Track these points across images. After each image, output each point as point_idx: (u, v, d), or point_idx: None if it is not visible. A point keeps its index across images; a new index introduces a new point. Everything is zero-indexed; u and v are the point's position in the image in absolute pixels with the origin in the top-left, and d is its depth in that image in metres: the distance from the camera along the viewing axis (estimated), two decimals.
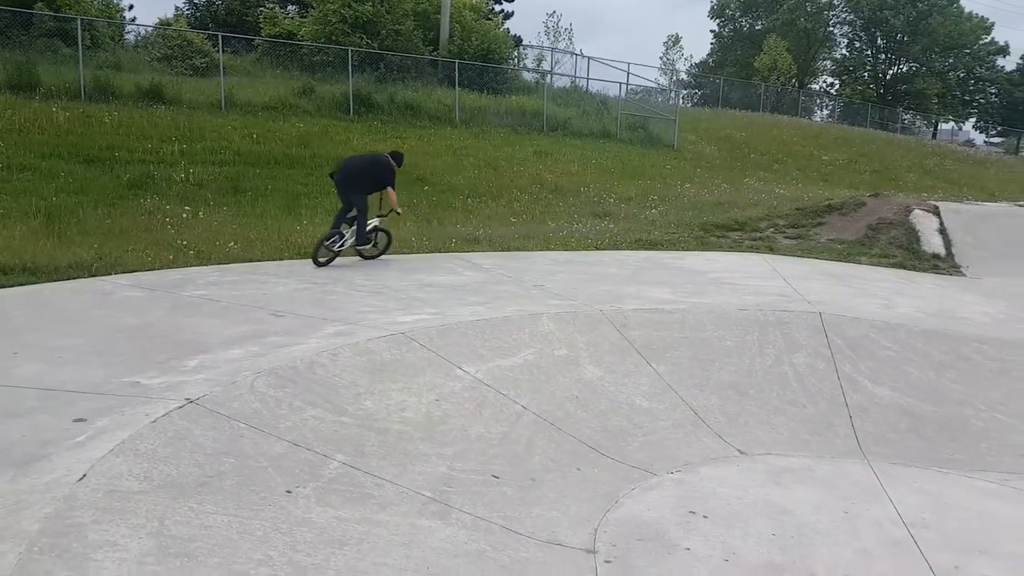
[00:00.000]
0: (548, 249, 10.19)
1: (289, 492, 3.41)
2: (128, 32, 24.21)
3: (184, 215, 10.30)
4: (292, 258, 8.58)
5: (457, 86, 20.86)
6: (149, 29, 23.50)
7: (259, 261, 8.28)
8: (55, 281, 6.74)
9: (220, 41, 19.43)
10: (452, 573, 3.19)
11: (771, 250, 11.35)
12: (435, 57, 22.59)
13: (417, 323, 5.74)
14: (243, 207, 11.44)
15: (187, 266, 7.81)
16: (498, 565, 3.36)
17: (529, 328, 6.02)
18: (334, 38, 20.92)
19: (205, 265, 7.93)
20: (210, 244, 8.75)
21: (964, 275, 10.95)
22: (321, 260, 8.14)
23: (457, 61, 21.57)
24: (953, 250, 11.73)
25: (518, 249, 9.99)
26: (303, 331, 5.42)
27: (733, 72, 51.04)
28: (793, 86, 46.07)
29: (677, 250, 10.89)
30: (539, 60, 31.60)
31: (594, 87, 26.99)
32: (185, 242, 8.71)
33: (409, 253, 9.21)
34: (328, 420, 4.20)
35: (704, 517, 4.14)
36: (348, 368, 4.80)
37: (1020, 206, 14.99)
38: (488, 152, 17.36)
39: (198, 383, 4.20)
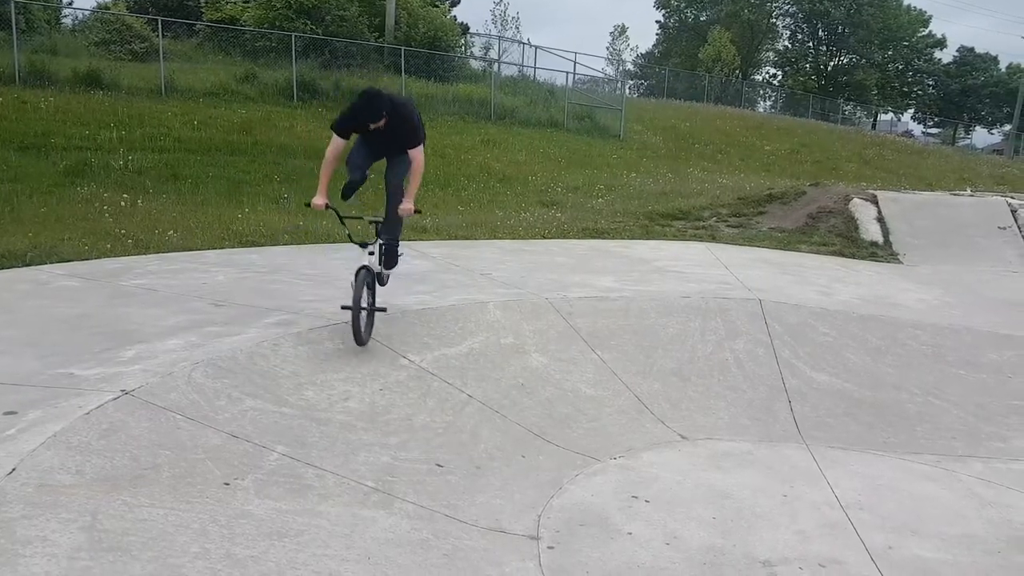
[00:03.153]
0: (496, 238, 10.19)
1: (227, 484, 3.35)
2: (65, 16, 23.38)
3: (122, 203, 9.97)
4: (234, 246, 8.39)
5: (404, 73, 20.65)
6: (87, 13, 22.68)
7: (199, 250, 8.07)
8: None
9: (160, 26, 18.83)
10: (394, 563, 3.18)
11: (714, 239, 11.57)
12: (381, 44, 22.31)
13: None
14: (183, 195, 11.14)
15: (125, 255, 7.57)
16: (441, 553, 3.37)
17: (476, 317, 6.03)
18: (278, 24, 20.47)
19: (144, 254, 7.70)
20: (149, 232, 8.50)
21: (901, 262, 11.35)
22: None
23: (404, 48, 21.35)
24: (891, 238, 12.14)
25: (466, 238, 9.96)
26: (244, 321, 5.31)
27: (679, 63, 51.77)
28: (737, 77, 46.92)
29: (623, 239, 11.00)
30: (486, 48, 31.55)
31: (541, 76, 27.08)
32: (123, 231, 8.44)
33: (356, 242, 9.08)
34: (268, 411, 4.13)
35: (646, 502, 4.22)
36: (289, 358, 4.74)
37: (956, 195, 15.57)
38: (435, 140, 17.20)
39: (134, 374, 4.08)
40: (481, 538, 3.63)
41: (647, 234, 11.58)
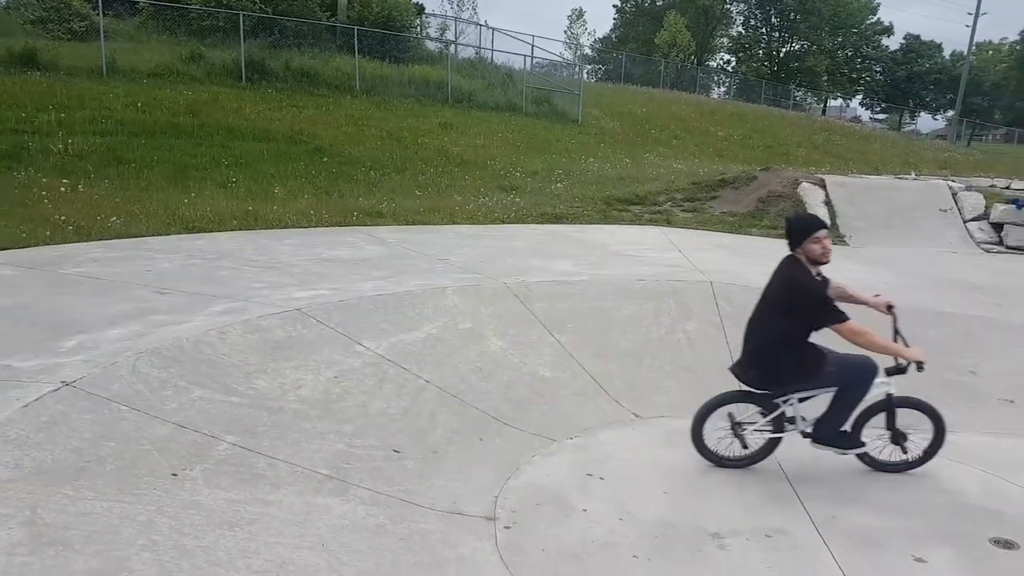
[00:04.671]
0: (454, 223, 10.13)
1: (175, 475, 3.27)
2: None
3: (62, 188, 9.62)
4: (179, 232, 8.17)
5: (357, 54, 20.28)
6: None
7: (143, 236, 7.84)
8: None
9: (101, 4, 18.11)
10: (349, 548, 3.16)
11: (669, 223, 11.71)
12: (334, 23, 21.87)
13: (314, 299, 5.60)
14: (126, 179, 10.79)
15: (65, 243, 7.31)
16: (397, 538, 3.35)
17: (433, 302, 5.99)
18: (225, 2, 19.88)
19: (85, 241, 7.45)
20: (90, 219, 8.22)
21: (848, 244, 11.64)
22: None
23: (356, 28, 20.95)
24: (838, 221, 12.44)
25: (423, 223, 9.89)
26: (190, 309, 5.18)
27: (635, 48, 52.04)
28: (692, 63, 47.37)
29: (581, 224, 11.07)
30: (443, 29, 31.19)
31: (499, 59, 26.91)
32: (63, 217, 8.14)
33: (308, 227, 8.94)
34: (217, 400, 4.04)
35: (601, 479, 4.27)
36: (238, 347, 4.64)
37: (900, 179, 16.03)
38: (391, 123, 17.04)
39: (76, 365, 3.95)
40: (438, 521, 3.62)
41: (605, 219, 11.66)
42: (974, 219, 13.33)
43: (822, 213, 12.48)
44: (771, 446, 4.48)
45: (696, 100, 33.14)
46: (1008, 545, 3.75)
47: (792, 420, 4.44)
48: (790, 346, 4.28)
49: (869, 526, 3.86)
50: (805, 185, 13.09)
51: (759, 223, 11.84)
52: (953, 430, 5.29)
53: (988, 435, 5.28)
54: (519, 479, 4.21)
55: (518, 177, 14.52)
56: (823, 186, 13.15)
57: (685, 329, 6.55)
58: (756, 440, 4.49)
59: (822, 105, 59.64)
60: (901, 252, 11.12)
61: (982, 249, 12.57)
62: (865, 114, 64.61)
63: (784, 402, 4.40)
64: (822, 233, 4.24)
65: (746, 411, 4.55)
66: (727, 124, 26.69)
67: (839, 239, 11.82)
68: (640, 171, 16.43)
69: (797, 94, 49.20)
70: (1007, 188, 18.93)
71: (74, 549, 2.61)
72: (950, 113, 51.54)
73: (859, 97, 63.16)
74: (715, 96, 44.50)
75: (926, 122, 64.29)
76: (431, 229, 9.52)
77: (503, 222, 10.55)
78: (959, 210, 13.53)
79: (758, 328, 4.44)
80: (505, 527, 3.68)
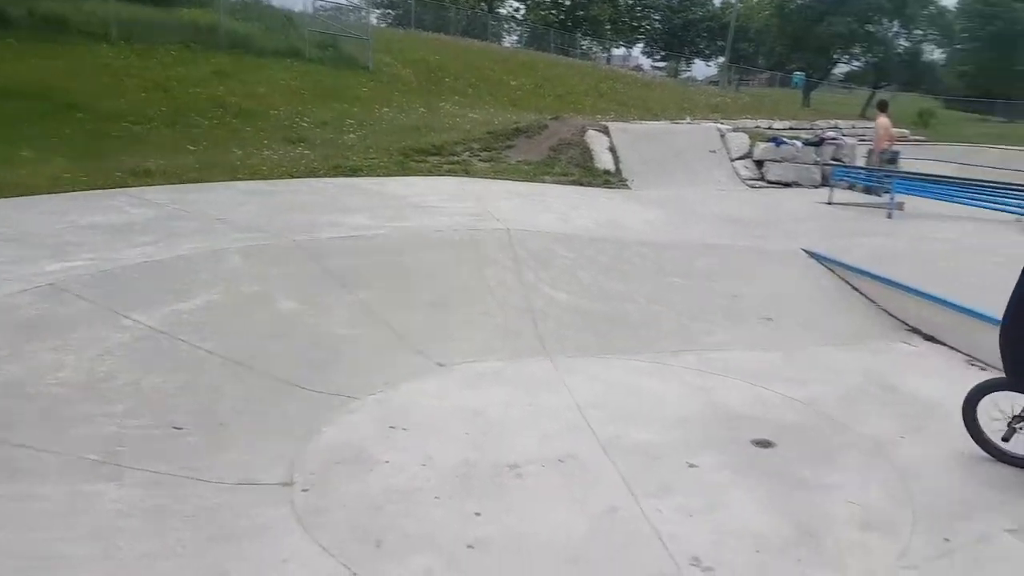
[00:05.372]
0: (235, 179, 9.44)
1: None
2: None
3: None
4: None
5: None
6: None
7: None
8: None
9: None
10: (125, 533, 2.91)
11: (467, 173, 11.80)
12: None
13: (71, 271, 4.98)
14: None
15: None
16: (181, 517, 3.14)
17: (212, 266, 5.57)
18: None
19: None
20: None
21: (630, 188, 12.47)
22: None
23: None
24: (621, 166, 13.26)
25: (198, 181, 9.09)
26: None
27: None
28: (482, 10, 47.48)
29: (377, 176, 10.82)
30: None
31: (277, 1, 25.20)
32: None
33: (60, 192, 7.88)
34: None
35: (404, 430, 4.28)
36: None
37: (676, 124, 17.38)
38: (156, 72, 15.38)
39: None
40: (229, 495, 3.44)
41: (402, 170, 11.49)
42: (740, 158, 14.84)
43: (607, 158, 13.24)
44: None
45: (489, 48, 33.35)
46: (766, 444, 4.29)
47: None
48: None
49: (649, 441, 4.23)
50: (591, 132, 13.77)
51: (551, 171, 12.29)
52: (722, 348, 5.97)
53: (750, 351, 5.94)
54: (318, 442, 4.10)
55: (305, 128, 13.82)
56: (607, 133, 13.91)
57: (484, 276, 6.68)
58: None
59: (607, 54, 62.58)
60: (677, 192, 12.11)
61: (747, 185, 14.07)
62: (647, 62, 68.76)
63: None
64: None
65: None
66: (520, 73, 27.16)
67: (623, 183, 12.62)
68: (437, 120, 16.32)
69: (583, 43, 51.19)
70: (769, 128, 21.27)
71: None
72: (721, 60, 56.14)
73: (640, 46, 67.04)
74: (507, 44, 45.13)
75: (700, 68, 69.68)
76: (208, 187, 8.79)
77: (291, 176, 10.02)
78: (727, 150, 14.99)
79: None
80: (303, 490, 3.58)
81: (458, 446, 4.09)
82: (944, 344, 6.16)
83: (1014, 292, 3.91)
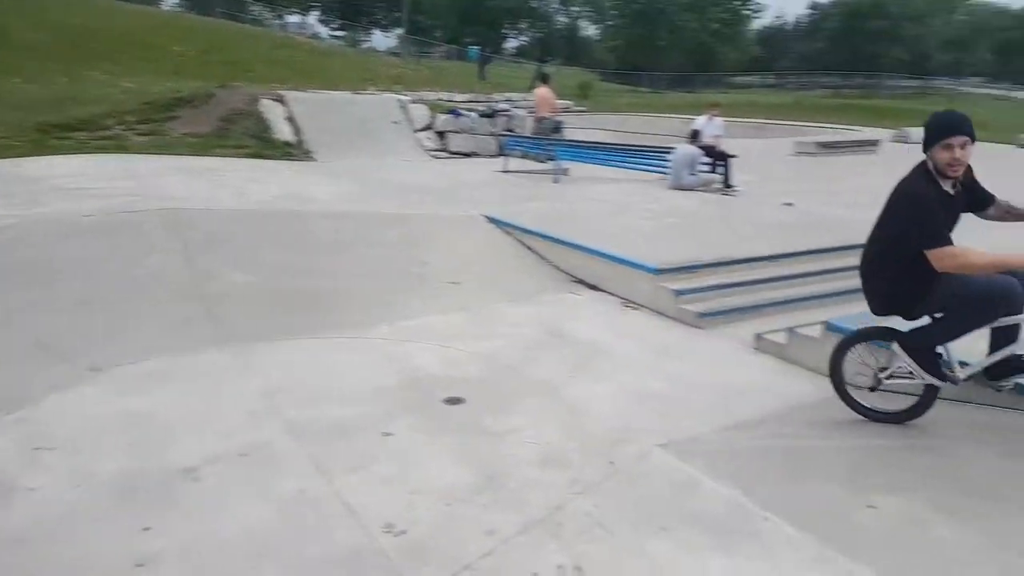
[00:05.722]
0: None
1: None
2: None
3: None
4: None
5: None
6: None
7: None
8: None
9: None
10: None
11: (123, 149, 10.52)
12: None
13: None
14: None
15: None
16: None
17: None
18: None
19: None
20: None
21: (315, 159, 12.10)
22: None
23: None
24: (302, 136, 12.79)
25: None
26: None
27: None
28: None
29: (10, 157, 9.16)
30: None
31: None
32: None
33: None
34: None
35: (51, 450, 3.66)
36: None
37: (358, 94, 17.16)
38: None
39: None
40: None
41: (41, 149, 9.93)
42: (422, 129, 15.20)
43: (287, 129, 12.68)
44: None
45: (144, 11, 29.85)
46: (456, 401, 4.44)
47: None
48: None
49: (344, 416, 4.13)
50: (265, 102, 13.05)
51: (224, 143, 11.43)
52: (415, 316, 6.06)
53: (441, 315, 6.10)
54: None
55: None
56: (283, 102, 13.30)
57: (147, 264, 5.98)
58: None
59: (280, 21, 59.65)
60: (362, 163, 12.04)
61: (431, 156, 14.49)
62: (324, 31, 67.00)
63: None
64: (956, 140, 3.42)
65: None
66: (182, 39, 24.65)
67: (306, 155, 12.21)
68: (82, 91, 14.22)
69: (254, 8, 48.19)
70: (450, 100, 22.09)
71: None
72: (400, 31, 56.61)
73: (316, 13, 65.01)
74: (167, 8, 40.75)
75: (380, 40, 69.74)
76: None
77: None
78: (410, 121, 15.25)
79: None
80: None
81: (120, 458, 3.59)
82: (605, 291, 6.95)
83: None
